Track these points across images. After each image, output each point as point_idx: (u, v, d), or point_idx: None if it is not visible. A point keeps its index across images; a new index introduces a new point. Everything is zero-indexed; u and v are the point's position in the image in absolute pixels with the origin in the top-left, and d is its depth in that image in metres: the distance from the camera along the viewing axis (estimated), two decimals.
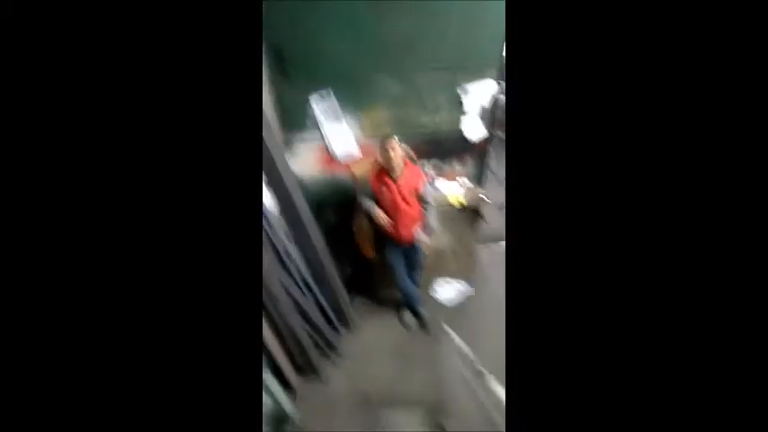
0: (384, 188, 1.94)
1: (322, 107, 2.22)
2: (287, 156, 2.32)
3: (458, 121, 2.31)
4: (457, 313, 2.48)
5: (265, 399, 1.85)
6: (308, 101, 2.20)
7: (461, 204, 2.30)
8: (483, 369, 1.32)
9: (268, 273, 1.67)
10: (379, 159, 1.95)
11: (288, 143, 2.32)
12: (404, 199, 1.94)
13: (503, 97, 2.22)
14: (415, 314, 2.47)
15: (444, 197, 2.31)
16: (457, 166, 2.44)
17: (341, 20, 2.00)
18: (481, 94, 2.22)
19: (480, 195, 2.36)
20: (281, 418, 1.87)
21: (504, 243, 2.85)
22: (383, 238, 2.14)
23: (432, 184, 2.35)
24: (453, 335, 1.64)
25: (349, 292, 2.51)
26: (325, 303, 2.21)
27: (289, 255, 2.01)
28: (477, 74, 2.18)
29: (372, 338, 2.40)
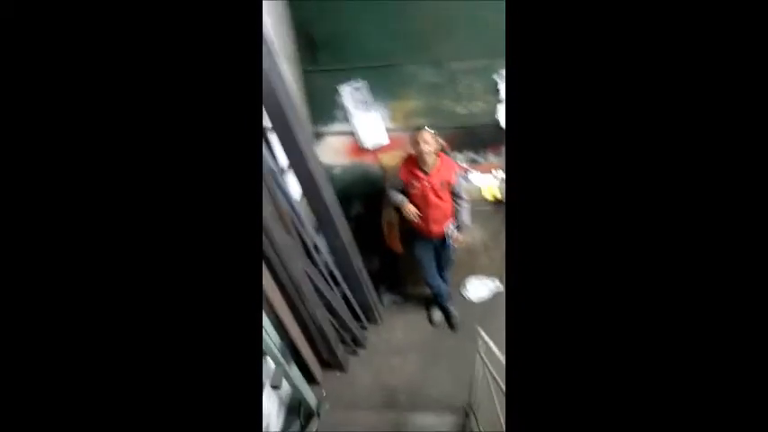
0: (414, 181, 1.85)
1: (352, 96, 2.15)
2: (315, 146, 2.28)
3: (494, 110, 2.17)
4: (488, 312, 2.37)
5: (291, 393, 1.84)
6: (338, 90, 2.13)
7: (496, 198, 2.18)
8: None
9: (295, 264, 1.64)
10: (411, 151, 1.86)
11: (316, 133, 2.27)
12: (435, 193, 1.85)
13: None
14: (445, 312, 2.38)
15: (478, 190, 2.19)
16: (492, 158, 2.31)
17: (373, 5, 1.91)
18: None
19: None
20: (307, 413, 1.86)
21: None
22: (413, 233, 2.06)
23: (465, 176, 2.23)
24: (483, 335, 1.54)
25: (376, 287, 2.45)
26: (351, 298, 2.16)
27: (316, 246, 1.98)
28: None
29: (400, 335, 2.34)
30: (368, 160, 2.36)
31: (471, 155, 2.30)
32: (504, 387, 1.34)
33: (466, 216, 1.98)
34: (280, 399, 1.83)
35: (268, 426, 1.70)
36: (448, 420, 1.90)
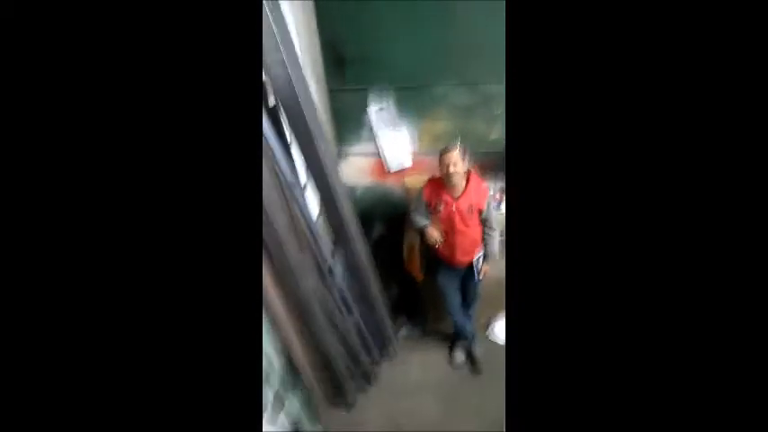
0: (440, 204, 1.72)
1: (380, 115, 2.10)
2: (339, 165, 2.22)
3: None
4: None
5: (288, 423, 1.66)
6: (365, 109, 2.09)
7: None
8: None
9: (307, 283, 1.51)
10: (436, 171, 1.74)
11: (340, 153, 2.22)
12: (462, 218, 1.70)
13: None
14: (467, 352, 2.15)
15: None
16: None
17: (404, 21, 1.88)
18: None
19: None
20: None
21: None
22: (436, 261, 1.90)
23: (497, 205, 2.07)
24: None
25: (394, 317, 2.27)
26: (365, 328, 1.99)
27: (330, 269, 1.85)
28: None
29: (415, 373, 2.12)
30: (391, 182, 2.27)
31: (503, 183, 2.15)
32: None
33: (496, 247, 1.81)
34: (282, 428, 1.65)
35: None
36: None
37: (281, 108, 1.48)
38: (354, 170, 2.27)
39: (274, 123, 1.50)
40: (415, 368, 2.15)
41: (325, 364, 1.72)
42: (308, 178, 1.67)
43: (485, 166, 2.07)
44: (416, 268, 2.01)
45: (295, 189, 1.59)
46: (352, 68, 2.03)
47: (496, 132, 2.08)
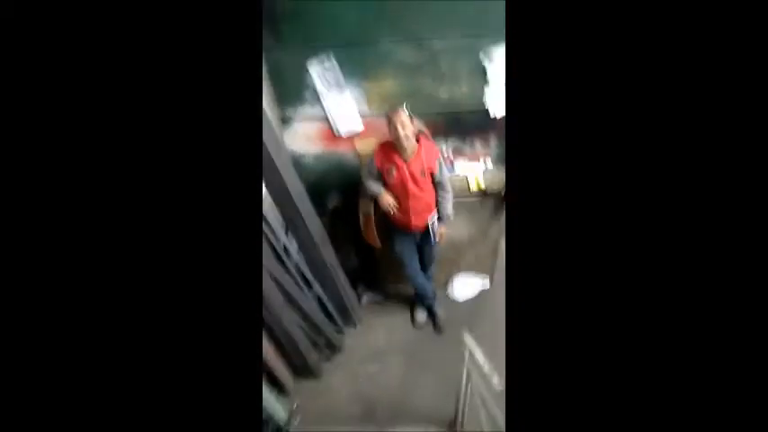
0: (392, 168, 1.66)
1: (322, 75, 1.95)
2: (282, 132, 2.07)
3: (481, 94, 1.99)
4: (475, 313, 2.21)
5: None
6: (306, 68, 1.92)
7: (482, 189, 2.01)
8: (500, 381, 1.08)
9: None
10: (387, 135, 1.66)
11: (283, 117, 2.06)
12: (415, 181, 1.66)
13: None
14: (429, 312, 2.21)
15: (463, 181, 2.02)
16: (479, 146, 2.13)
17: None
18: None
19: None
20: (275, 429, 1.65)
21: None
22: (392, 227, 1.87)
23: (449, 166, 2.05)
24: (470, 339, 1.37)
25: (354, 286, 2.26)
26: (326, 299, 1.97)
27: (285, 247, 1.77)
28: (503, 38, 1.84)
29: (380, 338, 2.16)
30: (342, 148, 2.16)
31: (456, 142, 2.12)
32: (490, 399, 1.18)
33: (449, 208, 1.80)
34: None
35: None
36: None
37: None
38: (301, 137, 2.12)
39: None
40: (380, 333, 2.19)
41: (287, 340, 1.69)
42: None
43: (435, 127, 2.02)
44: (374, 237, 1.98)
45: None
46: (288, 24, 1.83)
47: (445, 91, 2.01)
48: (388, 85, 2.00)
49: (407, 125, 1.56)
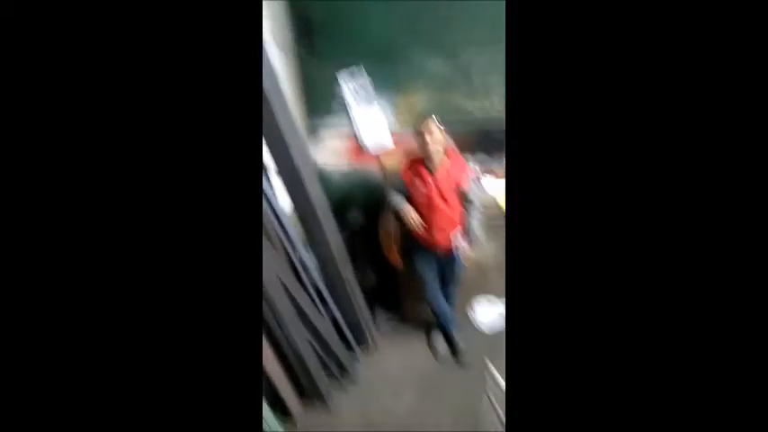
0: (418, 181, 1.58)
1: (352, 87, 1.92)
2: (309, 144, 2.04)
3: None
4: (500, 341, 2.03)
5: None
6: (336, 80, 1.91)
7: None
8: None
9: (272, 281, 1.35)
10: (415, 147, 1.59)
11: (311, 129, 2.04)
12: (442, 196, 1.57)
13: None
14: (448, 339, 2.05)
15: (491, 199, 1.90)
16: None
17: None
18: None
19: None
20: None
21: None
22: (414, 244, 1.77)
23: (478, 182, 1.95)
24: (492, 369, 1.23)
25: (371, 306, 2.15)
26: (340, 319, 1.86)
27: (302, 260, 1.69)
28: None
29: (394, 364, 2.01)
30: (368, 163, 2.11)
31: (485, 158, 2.03)
32: None
33: (477, 227, 1.69)
34: None
35: None
36: None
37: None
38: (328, 152, 2.09)
39: None
40: (395, 358, 2.03)
41: (296, 359, 1.58)
42: (274, 163, 1.48)
43: (464, 142, 1.93)
44: (395, 254, 1.88)
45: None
46: (321, 36, 1.84)
47: (476, 106, 1.94)
48: (419, 99, 1.95)
49: (437, 136, 1.48)
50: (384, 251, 1.93)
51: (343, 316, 1.87)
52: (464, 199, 1.62)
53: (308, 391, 1.73)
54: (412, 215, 1.61)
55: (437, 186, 1.55)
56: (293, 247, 1.62)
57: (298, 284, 1.60)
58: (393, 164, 2.01)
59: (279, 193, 1.57)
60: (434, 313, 1.98)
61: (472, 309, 2.20)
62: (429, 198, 1.57)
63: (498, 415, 1.11)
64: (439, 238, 1.64)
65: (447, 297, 1.94)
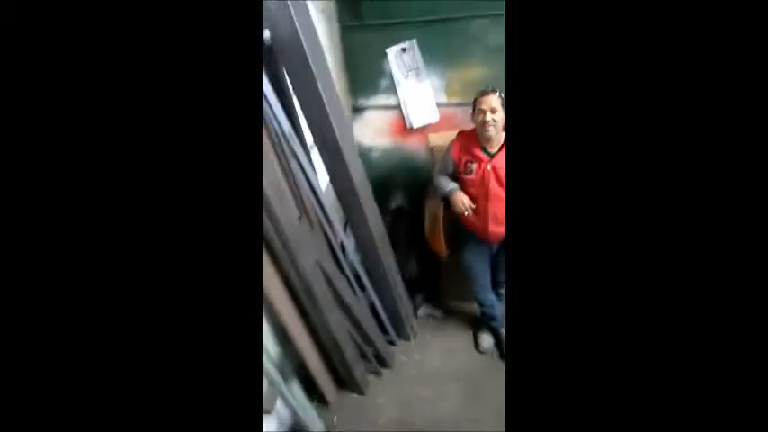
0: (472, 162, 1.41)
1: (400, 60, 1.76)
2: (352, 121, 1.92)
3: None
4: None
5: (289, 414, 1.48)
6: (384, 54, 1.76)
7: None
8: None
9: (306, 257, 1.28)
10: (471, 123, 1.42)
11: (355, 105, 1.92)
12: (499, 180, 1.39)
13: None
14: (496, 337, 1.89)
15: None
16: None
17: None
18: None
19: None
20: None
21: None
22: (464, 233, 1.61)
23: None
24: None
25: (412, 295, 2.04)
26: (379, 307, 1.77)
27: (342, 246, 1.61)
28: None
29: (436, 359, 1.90)
30: (414, 142, 1.96)
31: None
32: None
33: None
34: (280, 422, 1.48)
35: None
36: None
37: (278, 48, 1.19)
38: (371, 128, 1.97)
39: (268, 68, 1.21)
40: (436, 352, 1.92)
41: (333, 347, 1.52)
42: (313, 138, 1.39)
43: None
44: (440, 243, 1.74)
45: (296, 149, 1.32)
46: (367, 3, 1.69)
47: None
48: (474, 72, 1.76)
49: (499, 109, 1.30)
50: (428, 238, 1.79)
51: (383, 304, 1.78)
52: None
53: (345, 380, 1.67)
54: (462, 200, 1.45)
55: (494, 168, 1.38)
56: (332, 229, 1.53)
57: (336, 268, 1.52)
58: (440, 143, 1.85)
59: (319, 171, 1.48)
60: (481, 308, 1.83)
61: None
62: (484, 182, 1.40)
63: None
64: (493, 227, 1.48)
65: (497, 293, 1.78)
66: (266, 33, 1.18)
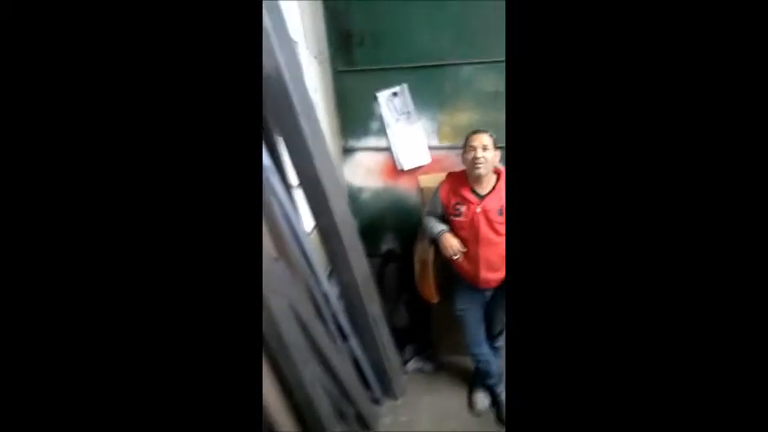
0: (461, 205, 1.34)
1: (391, 103, 1.77)
2: (341, 162, 1.90)
3: None
4: None
5: None
6: (374, 95, 1.78)
7: None
8: None
9: (279, 300, 1.17)
10: (462, 165, 1.38)
11: (345, 147, 1.90)
12: (489, 224, 1.32)
13: None
14: (492, 395, 1.71)
15: None
16: None
17: None
18: None
19: None
20: None
21: None
22: (455, 279, 1.51)
23: None
24: None
25: (402, 349, 1.88)
26: (364, 361, 1.61)
27: (325, 296, 1.50)
28: None
29: (425, 421, 1.70)
30: (405, 184, 1.92)
31: None
32: None
33: None
34: None
35: None
36: None
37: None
38: (361, 169, 1.94)
39: None
40: (425, 414, 1.73)
41: (306, 405, 1.35)
42: (297, 176, 1.34)
43: None
44: (430, 288, 1.62)
45: (275, 186, 1.26)
46: (361, 47, 1.73)
47: None
48: (465, 116, 1.76)
49: (490, 149, 1.26)
50: (418, 283, 1.68)
51: (367, 356, 1.62)
52: None
53: None
54: (451, 244, 1.36)
55: (484, 211, 1.31)
56: (314, 274, 1.43)
57: (314, 314, 1.40)
58: (431, 185, 1.81)
59: (303, 214, 1.41)
60: (475, 364, 1.67)
61: None
62: (474, 225, 1.33)
63: None
64: (485, 273, 1.37)
65: (492, 345, 1.63)
66: None
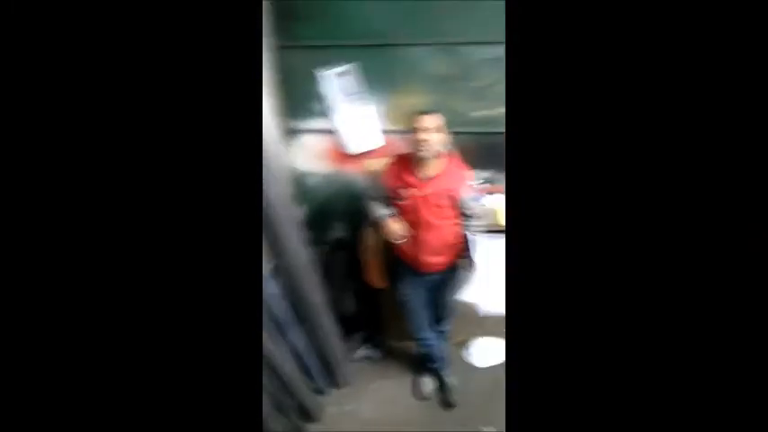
0: (404, 188, 1.31)
1: (337, 82, 1.69)
2: (284, 145, 1.80)
3: None
4: (499, 385, 1.70)
5: None
6: (320, 76, 1.68)
7: None
8: None
9: None
10: (407, 146, 1.34)
11: (288, 129, 1.80)
12: (431, 208, 1.29)
13: None
14: (438, 380, 1.72)
15: (493, 214, 1.63)
16: None
17: None
18: None
19: None
20: None
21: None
22: (399, 265, 1.48)
23: (477, 197, 1.68)
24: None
25: (349, 336, 1.84)
26: (306, 351, 1.55)
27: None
28: None
29: (370, 409, 1.69)
30: (353, 168, 1.86)
31: (486, 171, 1.76)
32: None
33: (477, 250, 1.40)
34: None
35: None
36: None
37: None
38: (305, 152, 1.85)
39: None
40: (370, 402, 1.71)
41: None
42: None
43: (467, 148, 1.68)
44: (376, 274, 1.59)
45: None
46: (305, 23, 1.63)
47: (481, 111, 1.70)
48: (414, 98, 1.72)
49: (433, 132, 1.22)
50: (364, 270, 1.65)
51: (311, 347, 1.56)
52: (461, 211, 1.34)
53: None
54: (394, 228, 1.33)
55: (426, 195, 1.28)
56: None
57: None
58: (379, 168, 1.77)
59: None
60: (420, 346, 1.67)
61: (467, 345, 1.88)
62: (415, 209, 1.30)
63: None
64: (428, 257, 1.36)
65: (438, 329, 1.63)
66: None
